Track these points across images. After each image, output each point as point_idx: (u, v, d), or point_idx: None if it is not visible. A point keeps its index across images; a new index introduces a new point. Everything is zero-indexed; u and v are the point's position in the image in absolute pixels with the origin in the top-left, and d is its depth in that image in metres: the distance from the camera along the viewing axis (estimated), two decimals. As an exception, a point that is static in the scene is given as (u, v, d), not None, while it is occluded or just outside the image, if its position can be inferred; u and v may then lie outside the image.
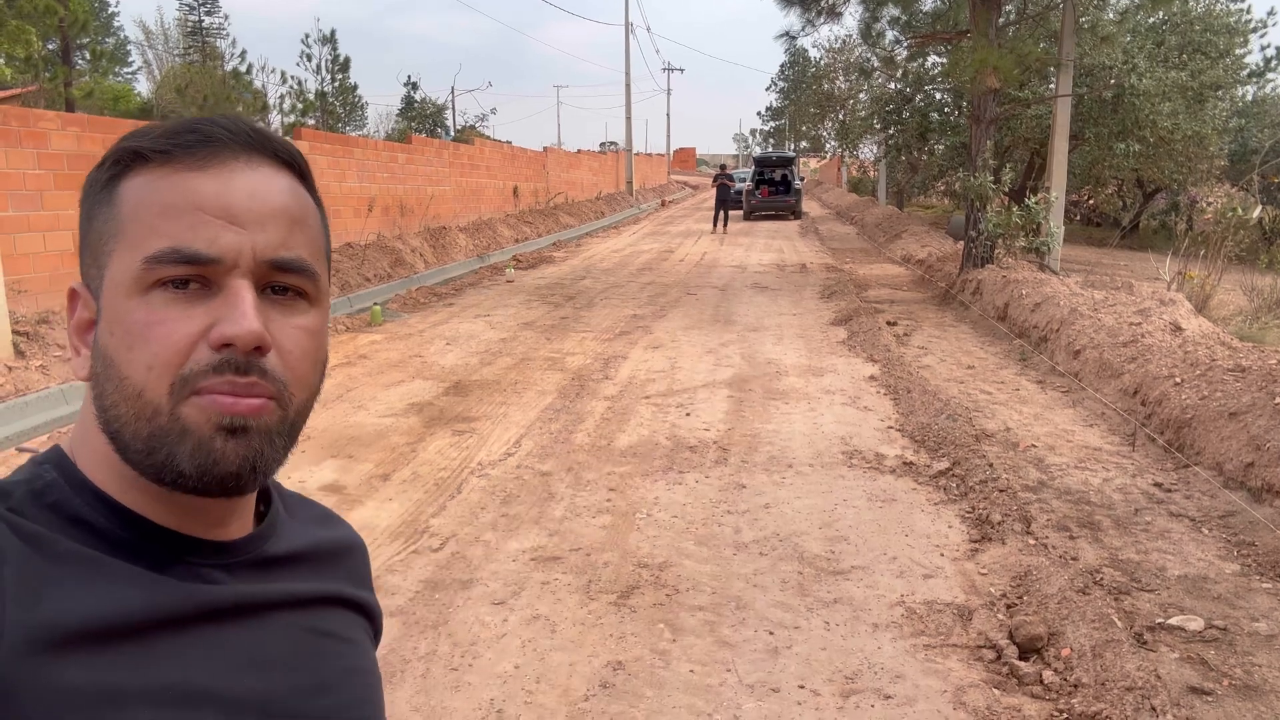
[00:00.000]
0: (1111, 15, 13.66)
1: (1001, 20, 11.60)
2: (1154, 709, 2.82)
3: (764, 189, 28.92)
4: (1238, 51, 17.75)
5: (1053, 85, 12.14)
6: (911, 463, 5.33)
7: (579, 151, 34.77)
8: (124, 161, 0.63)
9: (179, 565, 0.64)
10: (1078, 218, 23.17)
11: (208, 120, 0.64)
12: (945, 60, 13.96)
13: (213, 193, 0.60)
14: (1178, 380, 6.04)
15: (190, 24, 36.14)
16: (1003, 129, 15.41)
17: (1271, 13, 23.65)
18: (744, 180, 30.57)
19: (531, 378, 7.48)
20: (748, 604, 3.62)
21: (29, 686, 0.53)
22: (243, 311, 0.59)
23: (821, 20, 11.96)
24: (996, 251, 11.59)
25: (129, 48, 38.25)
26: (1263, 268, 10.87)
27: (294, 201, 0.65)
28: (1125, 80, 13.90)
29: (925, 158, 21.21)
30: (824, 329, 9.84)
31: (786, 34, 12.53)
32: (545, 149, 27.00)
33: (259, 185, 0.62)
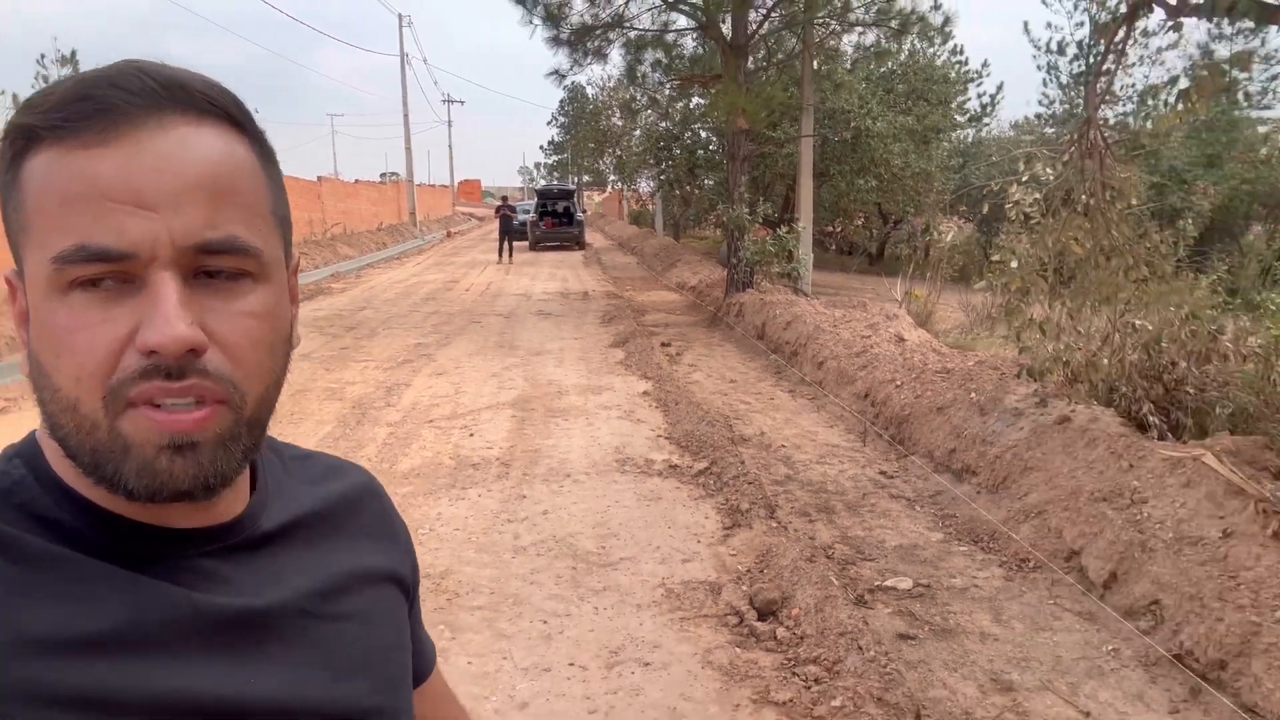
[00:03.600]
0: (846, 65, 15.38)
1: (751, 65, 12.78)
2: (861, 648, 3.37)
3: (548, 220, 29.52)
4: (959, 99, 20.42)
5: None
6: (676, 465, 5.84)
7: (357, 181, 33.91)
8: (19, 141, 0.54)
9: (165, 562, 0.58)
10: (833, 247, 25.49)
11: (105, 79, 0.54)
12: (706, 102, 15.11)
13: (116, 174, 0.52)
14: (898, 383, 6.98)
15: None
16: (759, 166, 16.83)
17: (985, 64, 27.19)
18: (527, 212, 31.05)
19: (309, 409, 7.38)
20: (524, 599, 3.90)
21: (11, 694, 0.50)
22: (164, 314, 0.51)
23: (589, 60, 12.63)
24: (756, 277, 12.67)
25: None
26: (975, 287, 12.59)
27: (220, 164, 0.55)
28: (862, 123, 15.66)
29: (696, 192, 22.58)
30: (603, 351, 10.35)
31: (556, 72, 13.10)
32: (320, 179, 26.17)
33: (172, 155, 0.53)
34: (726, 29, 11.98)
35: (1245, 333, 6.14)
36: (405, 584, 0.77)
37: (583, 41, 12.44)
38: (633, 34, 12.88)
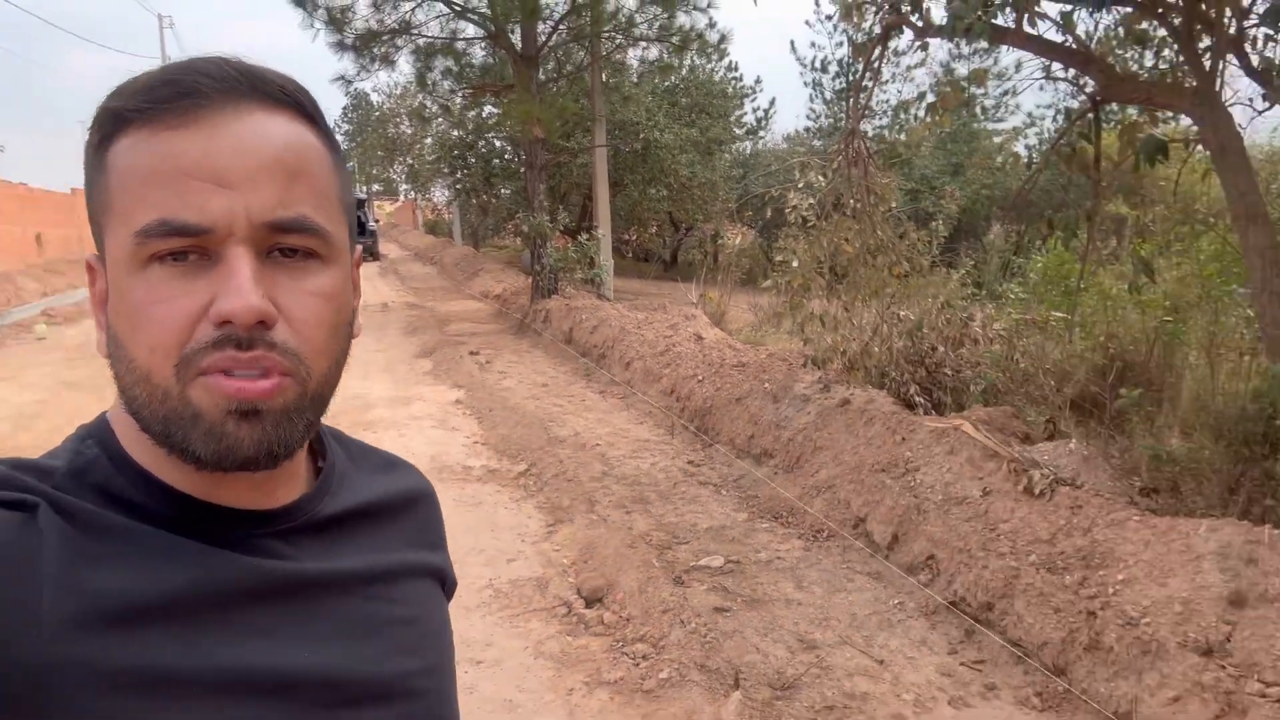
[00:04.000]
0: (633, 78, 15.93)
1: (543, 76, 12.98)
2: (682, 623, 3.60)
3: (338, 232, 28.26)
4: (737, 113, 21.61)
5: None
6: (495, 469, 5.90)
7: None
8: (108, 125, 0.58)
9: (227, 540, 0.61)
10: (629, 254, 26.22)
11: (188, 67, 0.57)
12: (500, 110, 15.16)
13: (198, 153, 0.55)
14: (700, 378, 7.39)
15: None
16: (555, 175, 17.06)
17: (758, 80, 28.89)
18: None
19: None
20: (349, 614, 3.84)
21: (72, 669, 0.51)
22: (238, 285, 0.54)
23: (377, 67, 12.33)
24: (560, 283, 12.87)
25: None
26: (761, 287, 13.45)
27: (293, 149, 0.58)
28: (650, 135, 16.27)
29: (493, 200, 22.51)
30: (410, 362, 10.16)
31: (342, 78, 12.67)
32: (75, 190, 23.72)
33: (250, 137, 0.56)
34: (516, 40, 12.10)
35: (991, 319, 7.02)
36: (445, 582, 0.80)
37: (369, 47, 12.12)
38: (421, 41, 12.71)
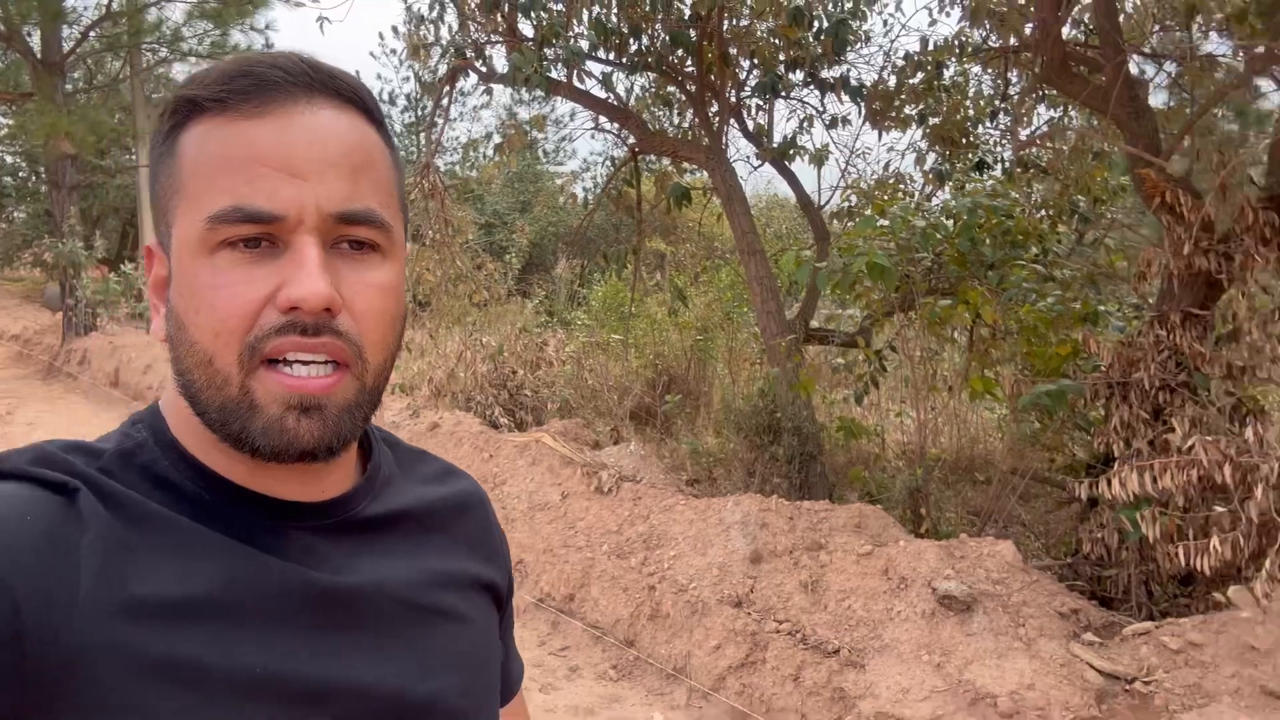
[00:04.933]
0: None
1: (70, 87, 11.36)
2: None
3: None
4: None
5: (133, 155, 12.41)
6: None
7: None
8: (182, 112, 0.59)
9: (267, 530, 0.60)
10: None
11: (264, 61, 0.59)
12: (11, 121, 12.90)
13: (271, 143, 0.56)
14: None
15: None
16: (89, 197, 14.95)
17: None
18: None
19: None
20: None
21: (104, 653, 0.51)
22: (308, 271, 0.55)
23: None
24: (100, 319, 11.29)
25: None
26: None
27: (359, 144, 0.60)
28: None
29: (4, 225, 18.98)
30: (-111, 423, 8.20)
31: None
32: None
33: (320, 130, 0.58)
34: (35, 43, 10.46)
35: (563, 343, 7.70)
36: (500, 595, 0.78)
37: None
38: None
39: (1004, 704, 2.77)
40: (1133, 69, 4.11)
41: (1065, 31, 4.22)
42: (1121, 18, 4.41)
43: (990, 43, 4.79)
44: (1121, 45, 3.46)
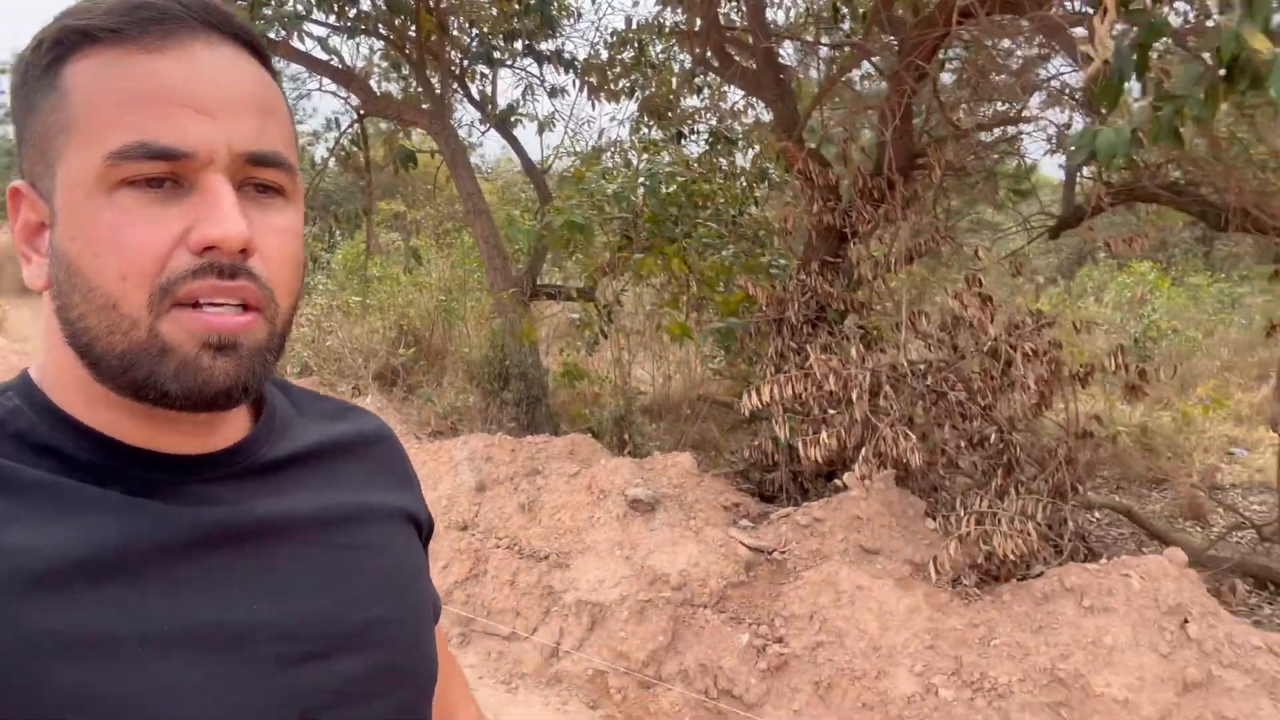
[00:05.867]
0: None
1: None
2: None
3: None
4: None
5: None
6: None
7: None
8: (67, 42, 0.55)
9: (162, 486, 0.57)
10: None
11: None
12: None
13: (178, 78, 0.53)
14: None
15: None
16: None
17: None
18: None
19: None
20: None
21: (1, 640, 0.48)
22: (225, 212, 0.53)
23: None
24: None
25: None
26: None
27: (263, 88, 0.58)
28: None
29: None
30: None
31: None
32: None
33: (225, 69, 0.56)
34: None
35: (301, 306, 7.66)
36: (420, 526, 0.75)
37: None
38: None
39: (674, 580, 3.40)
40: (790, 57, 4.88)
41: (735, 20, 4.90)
42: (784, 12, 5.19)
43: (681, 25, 5.42)
44: (768, 34, 4.15)
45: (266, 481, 0.62)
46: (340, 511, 0.66)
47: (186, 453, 0.59)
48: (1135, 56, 1.85)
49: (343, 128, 5.68)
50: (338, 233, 7.66)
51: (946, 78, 5.11)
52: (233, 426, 0.62)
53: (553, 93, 6.27)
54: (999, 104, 5.16)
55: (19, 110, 0.58)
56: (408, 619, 0.67)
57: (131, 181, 0.52)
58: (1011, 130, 4.97)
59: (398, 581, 0.68)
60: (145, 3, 0.54)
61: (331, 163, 6.64)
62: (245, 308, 0.55)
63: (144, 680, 0.51)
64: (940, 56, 4.14)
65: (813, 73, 5.24)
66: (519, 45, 5.85)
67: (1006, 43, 4.84)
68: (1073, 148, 1.95)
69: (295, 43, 5.37)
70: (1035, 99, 4.89)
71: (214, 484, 0.59)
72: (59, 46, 0.55)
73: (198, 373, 0.54)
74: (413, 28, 5.60)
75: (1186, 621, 2.74)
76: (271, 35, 5.19)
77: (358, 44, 6.09)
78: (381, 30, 5.41)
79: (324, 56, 5.59)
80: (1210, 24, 2.02)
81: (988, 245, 4.73)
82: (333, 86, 6.11)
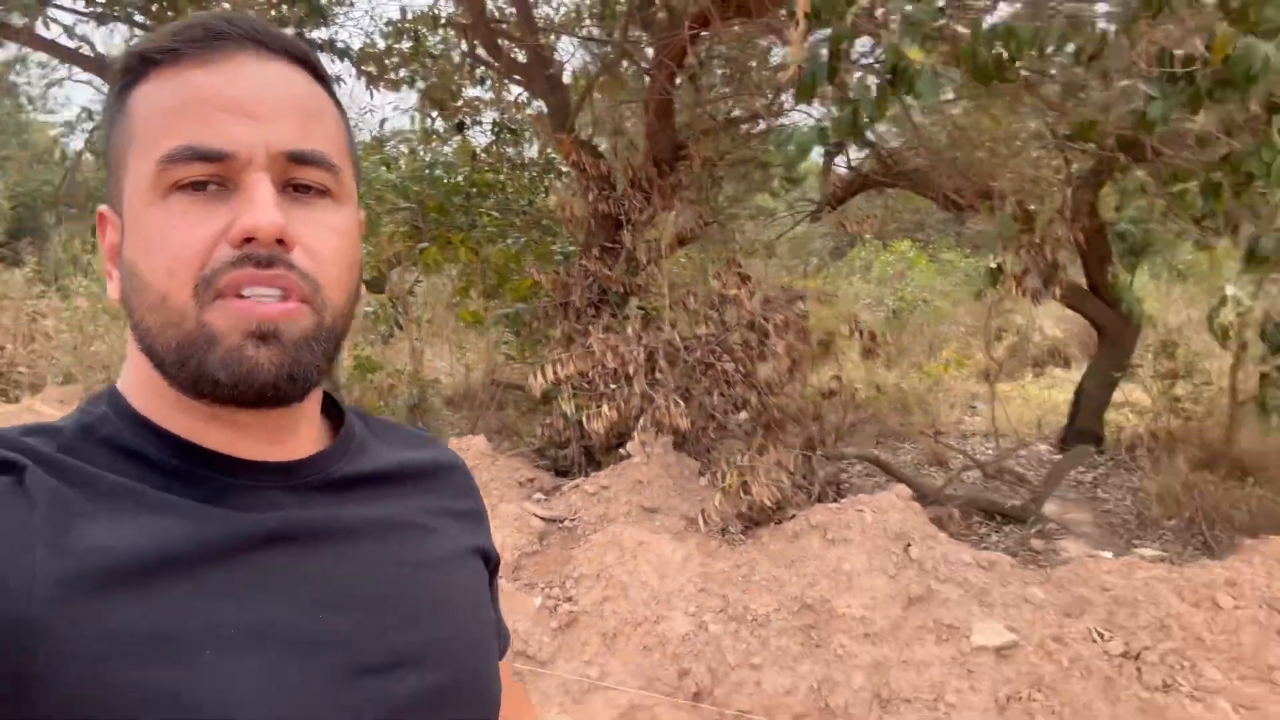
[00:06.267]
0: None
1: None
2: None
3: None
4: None
5: None
6: None
7: None
8: (133, 69, 0.59)
9: (237, 490, 0.59)
10: None
11: (217, 14, 0.59)
12: None
13: (220, 85, 0.57)
14: None
15: None
16: None
17: None
18: None
19: None
20: None
21: (68, 629, 0.50)
22: (260, 203, 0.55)
23: None
24: None
25: None
26: None
27: (308, 96, 0.61)
28: None
29: None
30: None
31: None
32: None
33: (269, 78, 0.59)
34: None
35: (60, 312, 7.11)
36: (488, 558, 0.76)
37: None
38: None
39: (470, 556, 3.56)
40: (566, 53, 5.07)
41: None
42: (562, 10, 5.39)
43: (456, 17, 5.50)
44: (535, 30, 4.34)
45: (340, 495, 0.65)
46: (410, 533, 0.68)
47: (263, 459, 0.61)
48: (826, 63, 2.19)
49: (97, 119, 5.31)
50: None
51: (719, 73, 5.53)
52: (310, 439, 0.66)
53: (330, 82, 6.15)
54: (760, 99, 5.63)
55: (106, 139, 0.63)
56: (470, 642, 0.69)
57: (182, 186, 0.56)
58: (770, 123, 5.43)
59: (463, 605, 0.69)
60: (200, 24, 0.59)
61: (87, 156, 6.20)
62: (286, 297, 0.57)
63: (217, 680, 0.52)
64: (702, 55, 4.50)
65: (590, 67, 5.48)
66: (289, 32, 5.70)
67: (763, 42, 5.29)
68: (777, 142, 2.28)
69: (41, 29, 5.00)
70: (787, 95, 5.37)
71: (287, 492, 0.62)
72: (126, 74, 0.60)
73: (243, 361, 0.56)
74: (170, 14, 5.34)
75: (909, 545, 3.21)
76: (12, 21, 4.82)
77: (111, 30, 5.72)
78: (137, 18, 5.13)
79: (71, 44, 5.22)
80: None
81: (746, 231, 5.16)
82: (85, 76, 5.71)
